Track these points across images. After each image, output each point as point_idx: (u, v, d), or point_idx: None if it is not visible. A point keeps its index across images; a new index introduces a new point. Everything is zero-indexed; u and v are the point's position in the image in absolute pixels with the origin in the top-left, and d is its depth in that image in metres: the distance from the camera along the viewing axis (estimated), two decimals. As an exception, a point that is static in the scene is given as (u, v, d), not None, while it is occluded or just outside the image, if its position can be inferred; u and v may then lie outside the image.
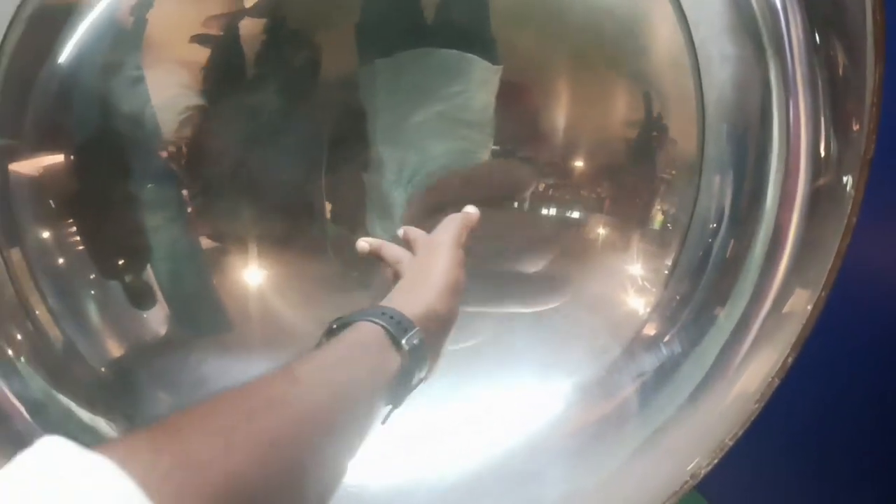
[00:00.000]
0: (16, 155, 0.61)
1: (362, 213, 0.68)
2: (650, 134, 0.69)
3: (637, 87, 0.69)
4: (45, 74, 0.60)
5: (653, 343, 0.71)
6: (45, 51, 0.60)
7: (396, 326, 0.40)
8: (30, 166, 0.61)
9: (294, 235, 0.69)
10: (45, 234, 0.63)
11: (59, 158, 0.62)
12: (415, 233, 0.54)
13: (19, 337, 0.62)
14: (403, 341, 0.40)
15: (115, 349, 0.66)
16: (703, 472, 0.60)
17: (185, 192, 0.65)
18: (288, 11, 0.63)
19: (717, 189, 0.69)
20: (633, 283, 0.73)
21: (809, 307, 0.61)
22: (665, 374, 0.70)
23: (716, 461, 0.60)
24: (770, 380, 0.61)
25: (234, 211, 0.67)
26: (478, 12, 0.64)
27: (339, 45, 0.65)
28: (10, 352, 0.61)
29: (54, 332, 0.63)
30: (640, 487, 0.65)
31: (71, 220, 0.63)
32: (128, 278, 0.65)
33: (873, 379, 0.91)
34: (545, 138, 0.69)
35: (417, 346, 0.41)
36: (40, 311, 0.62)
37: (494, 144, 0.67)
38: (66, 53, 0.60)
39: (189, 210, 0.65)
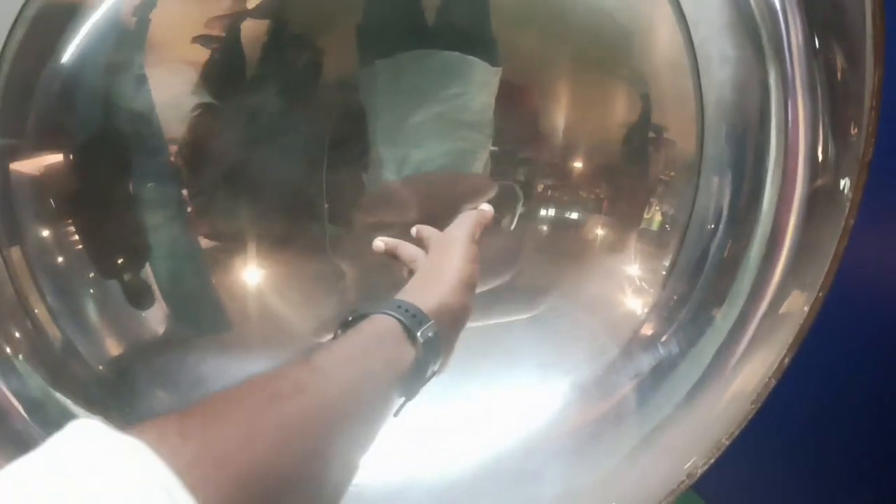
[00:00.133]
0: (17, 154, 0.60)
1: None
2: (649, 135, 0.70)
3: (636, 89, 0.69)
4: (48, 74, 0.60)
5: (650, 343, 0.72)
6: (47, 51, 0.59)
7: (412, 319, 0.41)
8: (31, 165, 0.61)
9: (293, 235, 0.69)
10: (45, 233, 0.63)
11: (60, 158, 0.62)
12: (428, 231, 0.54)
13: (18, 335, 0.62)
14: (418, 334, 0.40)
15: (114, 348, 0.66)
16: (700, 471, 0.60)
17: (185, 191, 0.65)
18: (290, 13, 0.63)
19: (716, 190, 0.70)
20: (631, 284, 0.73)
21: (806, 308, 0.61)
22: (662, 373, 0.70)
23: (712, 461, 0.60)
24: (767, 380, 0.61)
25: (234, 210, 0.67)
26: (478, 14, 0.64)
27: (341, 46, 0.64)
28: (8, 350, 0.61)
29: (53, 331, 0.63)
30: (637, 486, 0.65)
31: (71, 220, 0.63)
32: (127, 277, 0.65)
33: (870, 380, 0.91)
34: (544, 139, 0.69)
35: (432, 339, 0.41)
36: (39, 310, 0.62)
37: (494, 145, 0.67)
38: (68, 53, 0.60)
39: (189, 209, 0.65)
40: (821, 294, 0.60)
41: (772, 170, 0.66)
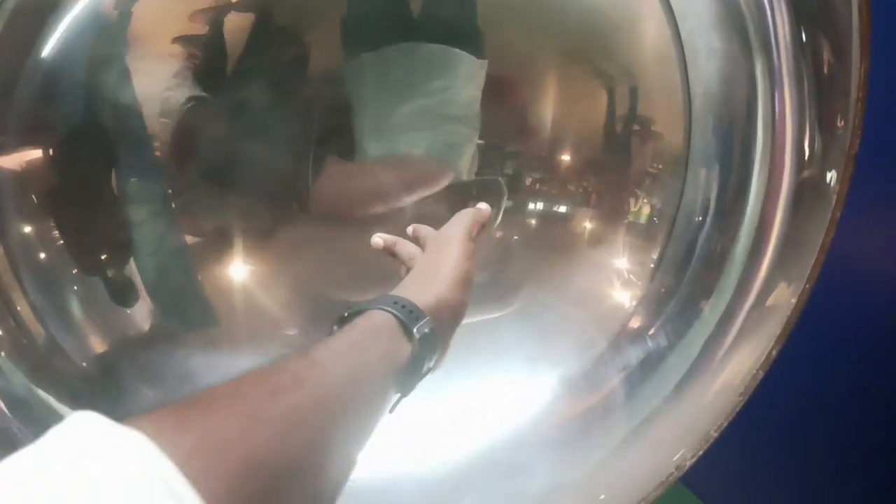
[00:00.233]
0: (-1, 149, 0.60)
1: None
2: (636, 128, 0.70)
3: (624, 81, 0.69)
4: (29, 68, 0.59)
5: (638, 336, 0.72)
6: (28, 44, 0.59)
7: (408, 315, 0.41)
8: (12, 161, 0.60)
9: (280, 230, 0.68)
10: (28, 229, 0.62)
11: (42, 153, 0.61)
12: (425, 229, 0.54)
13: (0, 332, 0.61)
14: (414, 330, 0.40)
15: (99, 344, 0.65)
16: (689, 463, 0.61)
17: (169, 186, 0.64)
18: (274, 6, 0.62)
19: (703, 182, 0.70)
20: (619, 277, 0.73)
21: (793, 301, 0.61)
22: (650, 366, 0.70)
23: (701, 453, 0.61)
24: (754, 372, 0.62)
25: (220, 205, 0.66)
26: (464, 7, 0.64)
27: (326, 39, 0.64)
28: (-9, 347, 0.61)
29: (36, 328, 0.62)
30: (626, 478, 0.65)
31: (54, 215, 0.62)
32: (111, 273, 0.65)
33: (857, 372, 0.92)
34: (532, 133, 0.69)
35: (428, 335, 0.41)
36: (22, 307, 0.62)
37: (481, 139, 0.67)
38: (49, 47, 0.59)
39: (174, 204, 0.65)
40: (808, 286, 0.61)
41: (759, 162, 0.66)
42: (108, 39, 0.60)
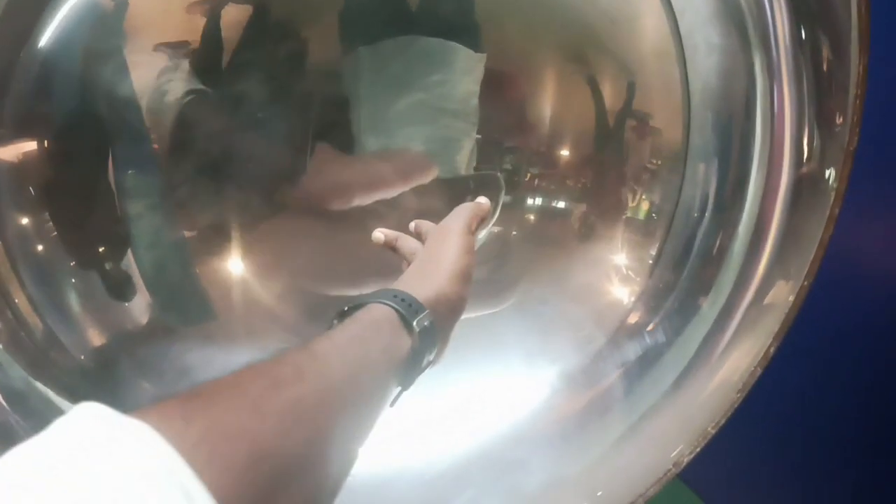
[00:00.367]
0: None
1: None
2: (635, 123, 0.70)
3: (622, 77, 0.69)
4: (25, 59, 0.59)
5: (637, 332, 0.72)
6: (25, 34, 0.59)
7: (408, 309, 0.41)
8: (9, 152, 0.60)
9: (278, 224, 0.68)
10: (25, 221, 0.62)
11: (39, 145, 0.61)
12: (426, 225, 0.54)
13: (-2, 325, 0.61)
14: (414, 323, 0.40)
15: (97, 338, 0.65)
16: (686, 459, 0.61)
17: (167, 180, 0.64)
18: (272, -1, 0.62)
19: (702, 178, 0.70)
20: (617, 273, 0.73)
21: (792, 297, 0.61)
22: (649, 362, 0.70)
23: (698, 449, 0.61)
24: (752, 369, 0.62)
25: (218, 199, 0.66)
26: (463, 0, 0.64)
27: (323, 33, 0.64)
28: (-11, 340, 0.61)
29: (34, 321, 0.62)
30: (623, 474, 0.65)
31: (51, 208, 0.62)
32: (108, 266, 0.65)
33: (855, 369, 0.92)
34: (530, 127, 0.69)
35: (428, 329, 0.41)
36: (20, 300, 0.62)
37: (480, 134, 0.67)
38: (46, 37, 0.59)
39: (171, 198, 0.65)
40: (806, 283, 0.61)
41: (757, 158, 0.66)
42: (105, 31, 0.60)
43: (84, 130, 0.62)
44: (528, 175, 0.70)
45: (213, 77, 0.63)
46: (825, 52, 0.61)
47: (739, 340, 0.66)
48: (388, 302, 0.41)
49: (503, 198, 0.69)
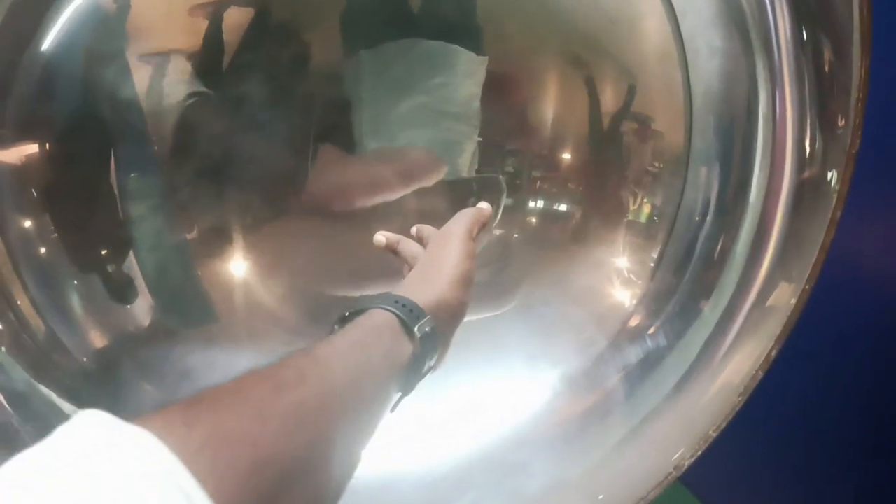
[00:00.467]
0: (-2, 143, 0.60)
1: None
2: (636, 126, 0.70)
3: (624, 79, 0.69)
4: (27, 61, 0.59)
5: (638, 335, 0.72)
6: (28, 36, 0.59)
7: (409, 314, 0.41)
8: (11, 155, 0.60)
9: (280, 226, 0.68)
10: (28, 224, 0.62)
11: (41, 147, 0.61)
12: (427, 229, 0.54)
13: (1, 327, 0.61)
14: (415, 329, 0.40)
15: (99, 340, 0.65)
16: (687, 463, 0.61)
17: (169, 182, 0.64)
18: (274, 2, 0.62)
19: (704, 181, 0.70)
20: (619, 276, 0.73)
21: (793, 301, 0.61)
22: (650, 365, 0.70)
23: (700, 453, 0.61)
24: (754, 373, 0.61)
25: (220, 201, 0.67)
26: (464, 3, 0.64)
27: (325, 35, 0.64)
28: (-9, 342, 0.61)
29: (37, 323, 0.63)
30: (624, 478, 0.65)
31: (53, 210, 0.62)
32: (110, 268, 0.65)
33: (857, 372, 0.92)
34: (532, 130, 0.69)
35: (429, 334, 0.41)
36: (22, 302, 0.62)
37: (482, 136, 0.67)
38: (49, 40, 0.59)
39: (173, 200, 0.65)
40: (808, 286, 0.61)
41: (759, 162, 0.66)
42: (107, 33, 0.60)
43: (86, 133, 0.63)
44: (530, 178, 0.70)
45: (214, 79, 0.63)
46: (827, 55, 0.61)
47: (741, 344, 0.66)
48: (389, 307, 0.41)
49: (505, 200, 0.69)
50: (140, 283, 0.65)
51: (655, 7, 0.66)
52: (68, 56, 0.60)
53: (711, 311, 0.68)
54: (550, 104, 0.69)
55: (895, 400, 0.88)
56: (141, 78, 0.61)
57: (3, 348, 0.61)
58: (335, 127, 0.66)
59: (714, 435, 0.61)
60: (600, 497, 0.64)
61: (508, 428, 0.70)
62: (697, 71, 0.67)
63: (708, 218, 0.70)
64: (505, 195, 0.69)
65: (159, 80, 0.62)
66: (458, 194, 0.67)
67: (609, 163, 0.72)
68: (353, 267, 0.69)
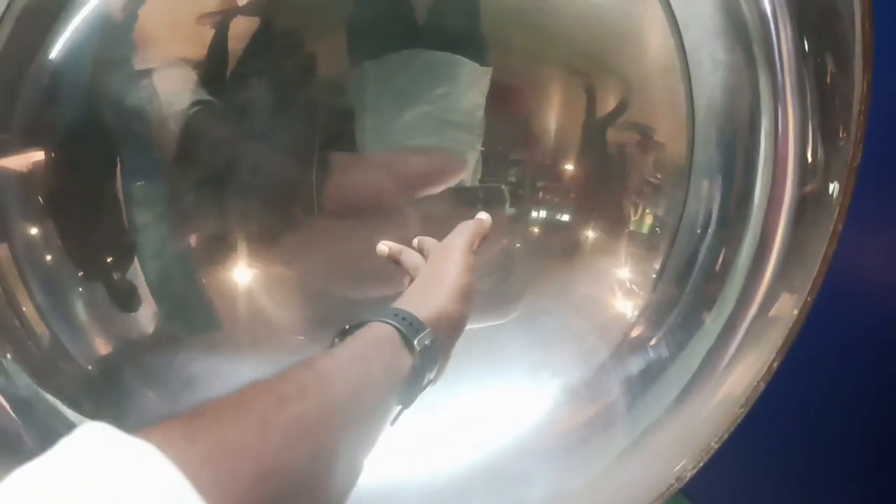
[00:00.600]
0: (4, 150, 0.60)
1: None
2: (639, 137, 0.70)
3: (627, 91, 0.70)
4: (35, 70, 0.60)
5: (640, 346, 0.72)
6: (35, 46, 0.59)
7: (409, 327, 0.41)
8: (18, 162, 0.61)
9: (284, 234, 0.69)
10: (34, 231, 0.63)
11: (48, 154, 0.62)
12: (429, 241, 0.54)
13: (6, 334, 0.61)
14: (415, 342, 0.40)
15: (103, 347, 0.66)
16: (689, 474, 0.61)
17: (173, 189, 0.65)
18: (280, 11, 0.63)
19: (706, 193, 0.70)
20: (621, 287, 0.73)
21: (795, 312, 0.61)
22: (652, 376, 0.70)
23: (701, 464, 0.61)
24: (756, 384, 0.61)
25: (224, 209, 0.67)
26: (469, 15, 0.64)
27: (331, 46, 0.65)
28: (-4, 348, 0.61)
29: (41, 330, 0.63)
30: (626, 489, 0.65)
31: (58, 217, 0.63)
32: (115, 276, 0.65)
33: (859, 383, 0.92)
34: (535, 140, 0.69)
35: (429, 347, 0.41)
36: (27, 308, 0.62)
37: (485, 146, 0.67)
38: (56, 49, 0.60)
39: (177, 207, 0.65)
40: (809, 298, 0.61)
41: (761, 174, 0.66)
42: (114, 42, 0.61)
43: (91, 140, 0.63)
44: (533, 188, 0.70)
45: (219, 87, 0.63)
46: (829, 67, 0.61)
47: (743, 355, 0.66)
48: (389, 320, 0.41)
49: (508, 210, 0.69)
50: (144, 290, 0.65)
51: (659, 20, 0.66)
52: (75, 64, 0.60)
53: (713, 323, 0.68)
54: (553, 115, 0.69)
55: (897, 412, 0.87)
56: (147, 86, 0.62)
57: (9, 355, 0.61)
58: (339, 136, 0.66)
59: (716, 446, 0.61)
60: (601, 508, 0.64)
61: (510, 438, 0.70)
62: (700, 83, 0.67)
63: (710, 230, 0.70)
64: (508, 205, 0.69)
65: (165, 89, 0.62)
66: (464, 202, 0.68)
67: (611, 173, 0.72)
68: (356, 276, 0.69)
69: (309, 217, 0.67)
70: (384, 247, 0.55)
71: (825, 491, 0.99)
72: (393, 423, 0.41)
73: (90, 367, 0.65)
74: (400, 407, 0.41)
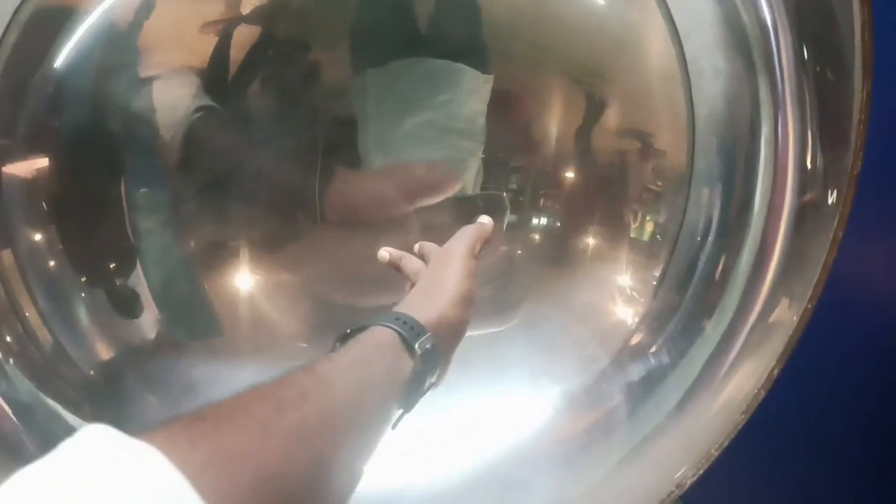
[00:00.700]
0: (8, 156, 0.61)
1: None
2: (640, 145, 0.70)
3: (628, 99, 0.70)
4: (41, 77, 0.60)
5: (641, 353, 0.72)
6: (41, 54, 0.60)
7: (410, 332, 0.41)
8: (22, 168, 0.61)
9: (286, 241, 0.69)
10: (37, 237, 0.63)
11: (52, 161, 0.62)
12: (429, 246, 0.55)
13: (8, 339, 0.61)
14: (416, 346, 0.41)
15: (105, 352, 0.66)
16: (689, 481, 0.60)
17: (176, 195, 0.65)
18: (284, 19, 0.63)
19: (706, 201, 0.70)
20: (621, 294, 0.74)
21: (795, 320, 0.61)
22: (652, 383, 0.70)
23: (702, 471, 0.61)
24: (756, 391, 0.61)
25: (227, 215, 0.67)
26: (471, 24, 0.65)
27: (333, 53, 0.65)
28: (-2, 353, 0.61)
29: (44, 335, 0.63)
30: (626, 496, 0.65)
31: (61, 224, 0.63)
32: (118, 282, 0.65)
33: (859, 391, 0.92)
34: (536, 148, 0.70)
35: (430, 352, 0.41)
36: (30, 314, 0.62)
37: (486, 153, 0.67)
38: (62, 57, 0.60)
39: (180, 213, 0.66)
40: (809, 305, 0.61)
41: (761, 182, 0.67)
42: (118, 49, 0.61)
43: (95, 146, 0.63)
44: (534, 195, 0.70)
45: (222, 94, 0.63)
46: (829, 76, 0.61)
47: (743, 362, 0.66)
48: (390, 325, 0.41)
49: (508, 217, 0.69)
50: (146, 296, 0.66)
51: (660, 29, 0.66)
52: (80, 72, 0.61)
53: (714, 330, 0.69)
54: (554, 122, 0.69)
55: (897, 420, 0.87)
56: (151, 93, 0.62)
57: (11, 360, 0.61)
58: (341, 143, 0.66)
59: (716, 453, 0.61)
60: (602, 515, 0.64)
61: (510, 445, 0.70)
62: (701, 92, 0.67)
63: (710, 237, 0.70)
64: (509, 212, 0.69)
65: (169, 95, 0.62)
66: (464, 210, 0.68)
67: (611, 181, 0.72)
68: (357, 282, 0.70)
69: (311, 224, 0.67)
70: (385, 253, 0.56)
71: (825, 498, 0.99)
72: (394, 426, 0.41)
73: (92, 373, 0.65)
74: (401, 411, 0.41)
